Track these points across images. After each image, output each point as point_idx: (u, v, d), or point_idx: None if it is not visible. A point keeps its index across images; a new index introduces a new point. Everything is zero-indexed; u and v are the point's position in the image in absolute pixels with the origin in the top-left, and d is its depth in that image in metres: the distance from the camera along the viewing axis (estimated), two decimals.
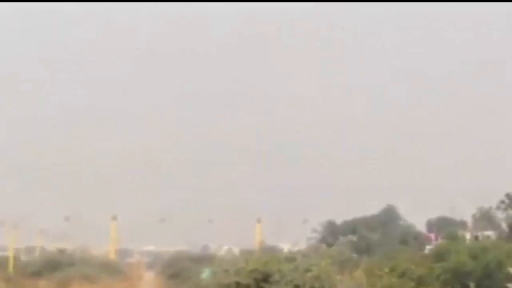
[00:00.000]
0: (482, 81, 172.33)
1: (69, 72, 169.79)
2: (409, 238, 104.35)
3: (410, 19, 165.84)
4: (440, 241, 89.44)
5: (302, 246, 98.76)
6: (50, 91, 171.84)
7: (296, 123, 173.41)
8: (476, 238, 79.38)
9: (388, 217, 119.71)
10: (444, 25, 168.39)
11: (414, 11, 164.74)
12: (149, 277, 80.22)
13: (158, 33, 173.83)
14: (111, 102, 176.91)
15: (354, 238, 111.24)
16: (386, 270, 13.56)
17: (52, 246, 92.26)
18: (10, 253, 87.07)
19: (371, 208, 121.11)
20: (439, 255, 53.75)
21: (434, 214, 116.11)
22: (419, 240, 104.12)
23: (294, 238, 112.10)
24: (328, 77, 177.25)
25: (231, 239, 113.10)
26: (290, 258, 19.59)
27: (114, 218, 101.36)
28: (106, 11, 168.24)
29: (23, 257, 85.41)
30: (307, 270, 17.28)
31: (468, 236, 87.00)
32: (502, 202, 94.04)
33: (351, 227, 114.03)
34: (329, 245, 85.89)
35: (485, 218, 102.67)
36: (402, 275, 37.00)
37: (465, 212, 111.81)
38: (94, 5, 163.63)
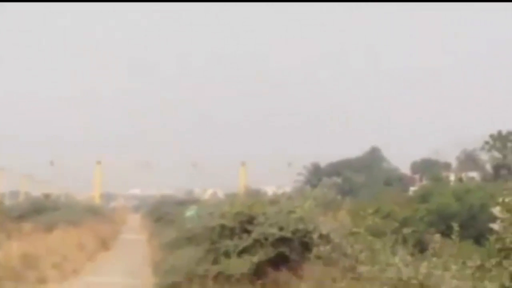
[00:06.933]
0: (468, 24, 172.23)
1: None
2: (393, 180, 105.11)
3: None
4: (424, 182, 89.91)
5: (287, 189, 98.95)
6: None
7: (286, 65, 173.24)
8: (460, 179, 79.76)
9: (373, 159, 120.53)
10: None
11: None
12: (134, 219, 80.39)
13: None
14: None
15: (338, 180, 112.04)
16: (370, 211, 13.54)
17: (37, 191, 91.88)
18: None
19: (356, 150, 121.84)
20: (423, 197, 54.07)
21: (418, 156, 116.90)
22: (403, 181, 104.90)
23: (279, 181, 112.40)
24: None
25: (215, 182, 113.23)
26: (275, 200, 19.61)
27: (99, 162, 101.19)
28: None
29: (7, 202, 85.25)
30: (291, 212, 17.24)
31: (452, 177, 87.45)
32: (486, 143, 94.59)
33: (336, 169, 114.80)
34: (313, 187, 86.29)
35: (469, 159, 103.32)
36: (386, 216, 37.15)
37: (450, 154, 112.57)
38: None
